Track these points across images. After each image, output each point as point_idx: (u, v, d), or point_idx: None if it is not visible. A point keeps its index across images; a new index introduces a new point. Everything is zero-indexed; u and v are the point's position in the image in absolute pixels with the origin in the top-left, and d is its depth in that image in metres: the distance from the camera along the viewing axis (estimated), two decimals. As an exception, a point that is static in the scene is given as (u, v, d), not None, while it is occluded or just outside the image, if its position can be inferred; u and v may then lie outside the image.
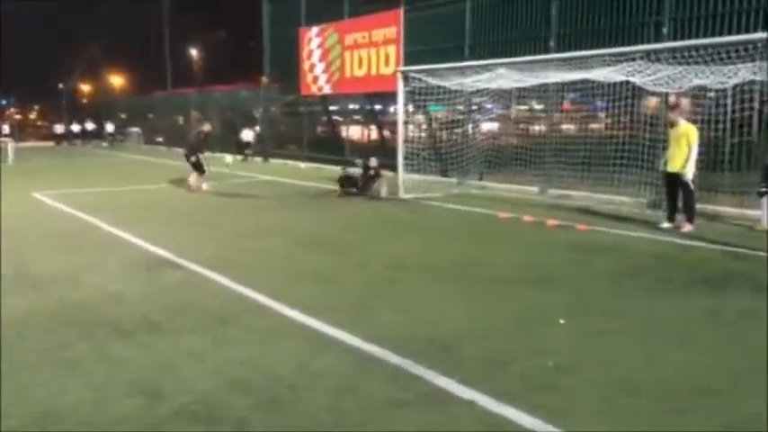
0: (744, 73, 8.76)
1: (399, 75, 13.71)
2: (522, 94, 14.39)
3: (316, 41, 21.05)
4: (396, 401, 3.90)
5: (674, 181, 9.34)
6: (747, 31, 9.94)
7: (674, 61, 9.84)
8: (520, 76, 12.10)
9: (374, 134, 23.20)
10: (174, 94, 37.74)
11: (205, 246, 8.46)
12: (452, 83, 13.28)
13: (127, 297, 6.12)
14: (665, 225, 9.40)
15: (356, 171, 13.92)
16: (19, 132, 40.86)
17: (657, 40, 11.54)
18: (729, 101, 9.93)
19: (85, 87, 64.63)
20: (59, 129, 43.15)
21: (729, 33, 10.32)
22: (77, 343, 4.90)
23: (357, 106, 21.57)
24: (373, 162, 13.50)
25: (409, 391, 4.04)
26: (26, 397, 4.01)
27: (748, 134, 9.88)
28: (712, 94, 10.00)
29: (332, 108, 22.69)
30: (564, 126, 14.19)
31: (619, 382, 4.15)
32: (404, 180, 13.44)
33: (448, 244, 8.81)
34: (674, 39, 11.31)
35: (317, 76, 21.19)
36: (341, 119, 22.70)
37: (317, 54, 21.08)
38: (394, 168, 17.37)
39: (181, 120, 33.59)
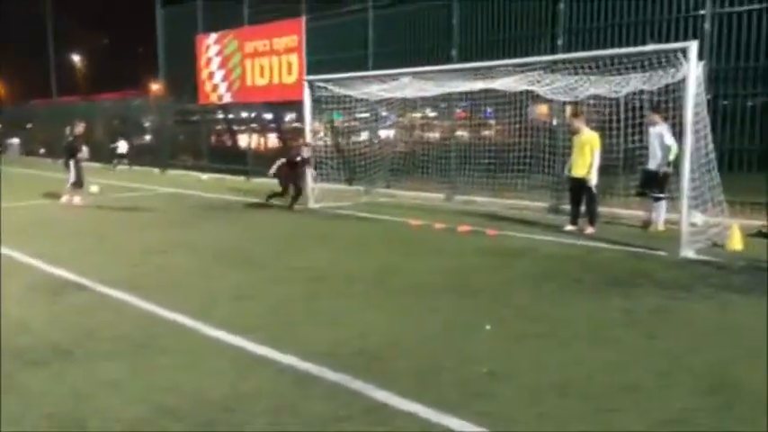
0: (635, 83, 9.31)
1: (306, 84, 13.60)
2: (424, 103, 14.69)
3: (214, 49, 20.55)
4: (339, 418, 3.84)
5: (577, 186, 9.79)
6: (637, 44, 10.61)
7: (572, 72, 10.31)
8: (424, 85, 12.32)
9: (276, 143, 22.99)
10: (57, 102, 35.72)
11: (111, 264, 8.02)
12: (358, 92, 13.34)
13: (32, 324, 5.69)
14: (569, 228, 9.83)
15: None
16: None
17: (554, 52, 12.11)
18: (622, 108, 10.52)
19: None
20: None
21: (620, 45, 10.96)
22: (-18, 377, 4.51)
23: (255, 115, 21.19)
24: (306, 152, 13.04)
25: (351, 407, 3.99)
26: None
27: (639, 140, 10.51)
28: (606, 103, 10.57)
29: (232, 117, 22.22)
30: (461, 133, 14.58)
31: (551, 384, 4.28)
32: (313, 189, 13.33)
33: (365, 254, 8.81)
34: (569, 50, 11.91)
35: (216, 85, 20.70)
36: (241, 128, 22.25)
37: (215, 62, 20.59)
38: (299, 178, 17.34)
39: (68, 130, 31.75)
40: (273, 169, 12.95)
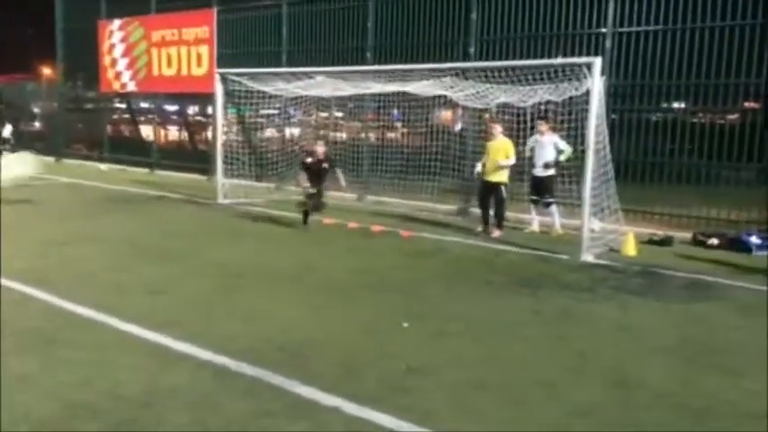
0: (542, 93, 9.75)
1: (217, 77, 13.32)
2: (334, 103, 14.73)
3: (118, 35, 19.71)
4: (262, 413, 3.84)
5: (488, 189, 10.12)
6: (545, 56, 11.11)
7: (483, 79, 10.65)
8: (339, 84, 12.37)
9: (178, 135, 22.35)
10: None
11: (13, 257, 7.55)
12: (272, 88, 13.21)
13: (-76, 317, 5.31)
14: (479, 230, 10.16)
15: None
16: None
17: (466, 59, 12.48)
18: (528, 117, 10.96)
19: None
20: None
21: (529, 57, 11.44)
22: None
23: (160, 106, 20.52)
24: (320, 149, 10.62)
25: (272, 403, 3.99)
26: None
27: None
28: (515, 111, 10.99)
29: (135, 106, 21.39)
30: (370, 135, 14.75)
31: (468, 379, 4.45)
32: (222, 185, 13.07)
33: (279, 250, 8.76)
34: (480, 59, 12.31)
35: (119, 73, 19.85)
36: (145, 118, 21.45)
37: (119, 49, 19.74)
38: (205, 173, 16.94)
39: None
40: (304, 184, 10.49)
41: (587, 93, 8.61)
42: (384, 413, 3.87)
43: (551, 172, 10.24)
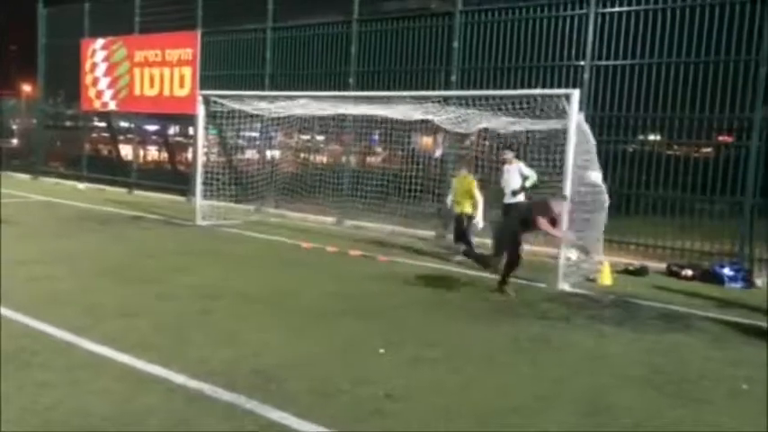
0: (525, 123, 9.89)
1: (200, 98, 13.33)
2: (312, 126, 14.79)
3: (101, 54, 19.67)
4: (236, 439, 3.81)
5: (462, 220, 10.17)
6: (524, 87, 11.30)
7: (464, 107, 10.77)
8: (321, 107, 12.45)
9: (158, 155, 22.26)
10: None
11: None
12: (253, 109, 13.24)
13: None
14: (458, 258, 10.16)
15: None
16: None
17: (447, 87, 12.64)
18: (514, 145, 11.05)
19: None
20: None
21: (510, 87, 11.62)
22: None
23: (140, 126, 20.45)
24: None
25: (247, 427, 3.96)
26: None
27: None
28: (497, 140, 11.11)
29: (115, 126, 21.26)
30: (350, 158, 14.82)
31: (444, 407, 4.44)
32: (201, 206, 13.01)
33: (257, 273, 8.72)
34: (462, 87, 12.47)
35: (101, 91, 19.77)
36: (124, 138, 21.33)
37: (101, 68, 19.69)
38: (185, 193, 16.87)
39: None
40: (512, 235, 8.18)
41: (565, 124, 8.74)
42: (358, 439, 3.86)
43: (519, 198, 10.36)
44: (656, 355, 5.83)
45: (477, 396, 4.67)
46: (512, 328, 6.44)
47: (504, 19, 12.30)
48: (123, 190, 18.81)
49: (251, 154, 16.72)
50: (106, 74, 19.58)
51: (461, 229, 10.18)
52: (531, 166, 10.39)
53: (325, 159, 16.03)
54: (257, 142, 16.09)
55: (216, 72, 16.73)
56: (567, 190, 8.51)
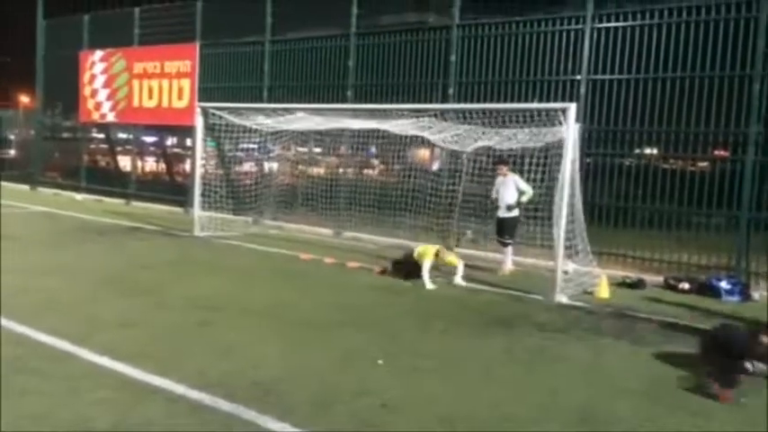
0: (521, 137, 9.95)
1: (198, 110, 13.39)
2: (316, 138, 14.86)
3: (100, 66, 19.75)
4: (235, 449, 3.82)
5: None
6: (521, 101, 11.39)
7: (462, 121, 10.85)
8: (320, 119, 12.52)
9: (156, 166, 22.37)
10: None
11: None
12: (251, 122, 13.31)
13: None
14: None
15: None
16: None
17: (445, 101, 12.72)
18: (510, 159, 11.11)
19: None
20: None
21: (506, 101, 11.71)
22: None
23: (138, 137, 20.53)
24: None
25: (246, 438, 3.98)
26: None
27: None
28: (492, 153, 11.18)
29: (113, 137, 21.32)
30: (347, 170, 14.90)
31: (441, 417, 4.46)
32: (199, 217, 13.03)
33: (255, 285, 8.73)
34: (459, 101, 12.55)
35: (99, 103, 19.83)
36: (121, 149, 21.39)
37: (100, 80, 19.77)
38: (182, 204, 16.90)
39: None
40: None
41: (562, 138, 8.81)
42: (357, 450, 3.87)
43: (514, 213, 10.43)
44: (654, 368, 5.85)
45: (471, 406, 4.68)
46: (507, 340, 6.47)
47: (502, 33, 12.42)
48: (121, 201, 18.83)
49: (248, 166, 16.79)
50: (105, 85, 19.66)
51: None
52: (526, 179, 10.45)
53: (322, 171, 16.09)
54: (255, 154, 16.14)
55: (214, 84, 16.82)
56: (564, 203, 8.56)
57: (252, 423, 4.19)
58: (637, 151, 11.77)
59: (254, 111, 13.45)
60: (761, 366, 5.61)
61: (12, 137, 26.87)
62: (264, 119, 13.17)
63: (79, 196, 19.71)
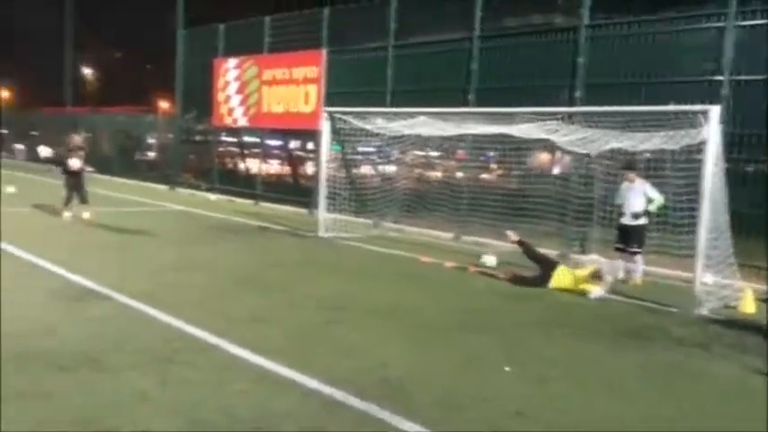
0: (657, 140, 9.47)
1: (325, 115, 13.80)
2: (434, 142, 14.87)
3: (233, 73, 20.83)
4: (369, 446, 3.90)
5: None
6: (653, 103, 10.86)
7: (591, 125, 10.49)
8: (442, 124, 12.53)
9: (279, 169, 23.29)
10: (64, 112, 36.26)
11: (129, 277, 8.08)
12: (376, 126, 13.55)
13: (59, 329, 5.74)
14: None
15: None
16: None
17: (572, 104, 12.35)
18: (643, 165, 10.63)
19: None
20: None
21: (638, 103, 11.20)
22: (13, 377, 4.54)
23: (266, 141, 21.48)
24: None
25: (380, 436, 4.05)
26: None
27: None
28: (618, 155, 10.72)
29: (244, 141, 22.43)
30: (465, 174, 14.80)
31: (573, 427, 4.34)
32: (324, 219, 13.43)
33: (377, 286, 8.87)
34: (587, 104, 12.14)
35: (232, 108, 20.92)
36: (252, 152, 22.46)
37: (233, 86, 20.84)
38: (307, 205, 17.48)
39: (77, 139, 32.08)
40: None
41: (701, 142, 8.32)
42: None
43: (641, 221, 9.91)
44: (808, 391, 5.39)
45: (601, 419, 4.52)
46: (642, 353, 6.18)
47: (634, 32, 11.91)
48: (250, 201, 19.73)
49: (368, 169, 17.10)
50: (237, 91, 20.69)
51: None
52: (661, 184, 9.95)
53: (439, 175, 16.11)
54: (375, 158, 16.41)
55: (338, 89, 17.26)
56: (705, 210, 8.08)
57: (383, 422, 4.26)
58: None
59: (378, 115, 13.68)
60: None
61: (151, 140, 28.92)
62: (387, 123, 13.37)
63: (213, 196, 20.87)
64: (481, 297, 8.47)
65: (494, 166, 15.32)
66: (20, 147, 37.01)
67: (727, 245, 8.75)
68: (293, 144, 22.53)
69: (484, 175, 15.11)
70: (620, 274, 9.68)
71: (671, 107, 9.06)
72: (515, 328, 6.94)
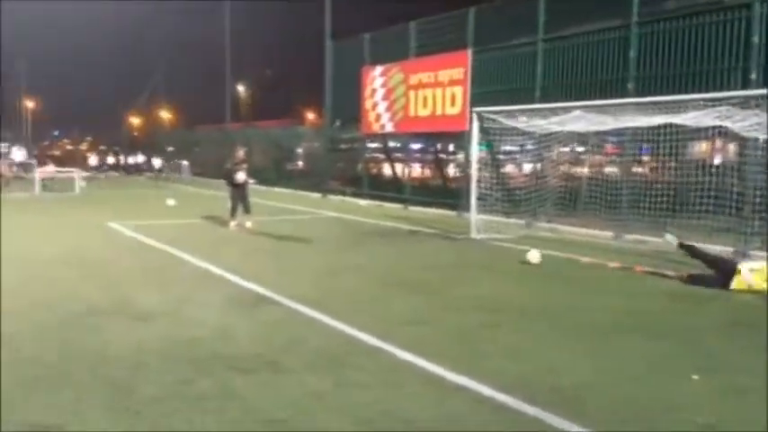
0: None
1: (474, 115, 13.66)
2: (581, 136, 14.20)
3: (380, 80, 21.25)
4: (547, 456, 3.72)
5: None
6: None
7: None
8: (600, 117, 11.92)
9: (421, 172, 23.48)
10: (221, 128, 38.99)
11: (294, 283, 8.40)
12: (526, 124, 13.20)
13: (235, 333, 6.06)
14: None
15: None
16: (63, 163, 40.53)
17: (745, 87, 11.30)
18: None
19: (136, 121, 67.23)
20: (94, 161, 44.93)
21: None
22: (199, 379, 4.84)
23: (411, 145, 21.71)
24: None
25: (557, 446, 3.86)
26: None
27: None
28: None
29: (391, 146, 22.82)
30: (618, 169, 14.00)
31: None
32: (476, 220, 13.28)
33: (535, 288, 8.59)
34: (763, 86, 11.03)
35: (379, 115, 21.35)
36: (398, 156, 22.80)
37: (380, 93, 21.26)
38: (455, 207, 17.40)
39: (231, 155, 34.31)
40: None
41: None
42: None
43: None
44: None
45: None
46: None
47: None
48: (399, 206, 19.99)
49: (517, 168, 16.73)
50: (384, 98, 21.08)
51: None
52: None
53: (587, 171, 15.39)
54: (525, 156, 16.00)
55: (484, 89, 17.03)
56: None
57: (559, 430, 4.06)
58: None
59: (528, 112, 13.32)
60: None
61: (299, 150, 30.30)
62: (538, 120, 12.98)
63: (363, 202, 21.40)
64: (652, 298, 7.94)
65: (646, 158, 14.40)
66: (184, 163, 39.92)
67: None
68: (434, 147, 22.61)
69: (636, 169, 14.25)
70: None
71: None
72: (694, 332, 6.42)
